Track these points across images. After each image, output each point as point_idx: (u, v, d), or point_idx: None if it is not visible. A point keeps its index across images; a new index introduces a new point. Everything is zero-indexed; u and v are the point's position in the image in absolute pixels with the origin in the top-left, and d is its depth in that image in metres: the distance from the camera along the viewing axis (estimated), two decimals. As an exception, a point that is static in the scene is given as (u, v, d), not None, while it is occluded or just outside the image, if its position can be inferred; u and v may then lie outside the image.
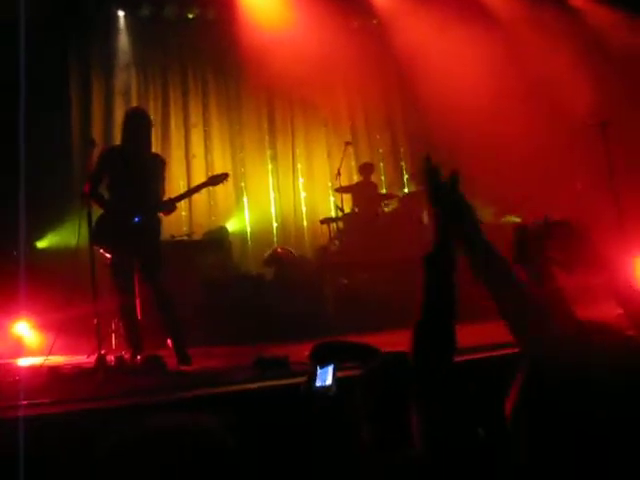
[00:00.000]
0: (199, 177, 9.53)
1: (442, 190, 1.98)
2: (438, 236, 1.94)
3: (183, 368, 5.49)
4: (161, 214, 5.89)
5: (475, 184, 9.01)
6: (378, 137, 11.15)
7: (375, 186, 9.90)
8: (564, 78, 9.24)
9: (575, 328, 1.60)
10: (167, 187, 6.10)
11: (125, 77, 9.97)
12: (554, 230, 2.38)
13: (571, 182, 8.86)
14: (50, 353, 5.80)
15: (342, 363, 2.74)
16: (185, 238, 8.63)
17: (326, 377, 2.70)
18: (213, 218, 9.83)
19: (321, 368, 2.72)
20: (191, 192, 6.17)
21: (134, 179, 5.68)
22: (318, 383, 2.70)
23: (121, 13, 9.99)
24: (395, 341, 5.68)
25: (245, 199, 9.98)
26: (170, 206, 5.85)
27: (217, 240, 8.60)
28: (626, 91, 9.30)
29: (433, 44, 9.57)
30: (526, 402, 1.43)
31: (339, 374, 2.74)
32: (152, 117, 6.40)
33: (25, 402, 3.96)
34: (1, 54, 6.63)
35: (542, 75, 9.59)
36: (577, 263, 2.33)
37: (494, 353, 4.57)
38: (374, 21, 10.60)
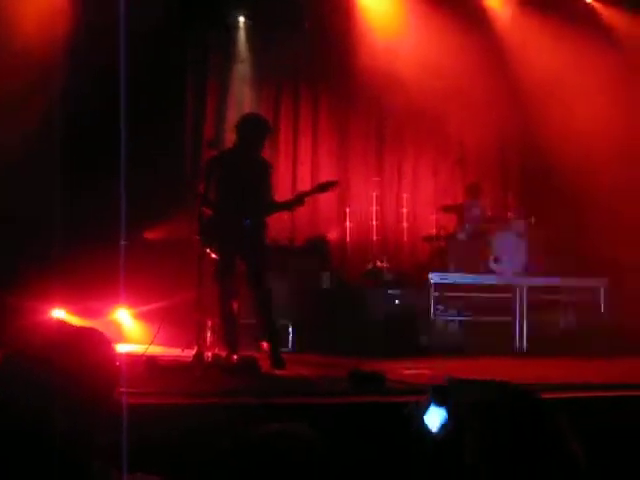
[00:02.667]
0: (304, 183, 9.60)
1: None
2: None
3: (277, 372, 5.52)
4: (288, 212, 5.99)
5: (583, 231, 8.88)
6: (488, 157, 10.95)
7: (481, 208, 9.72)
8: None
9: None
10: (273, 191, 6.19)
11: (239, 80, 10.16)
12: None
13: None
14: (152, 343, 5.93)
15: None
16: (286, 244, 8.69)
17: (436, 418, 2.53)
18: (314, 227, 9.86)
19: (436, 405, 2.55)
20: (301, 196, 6.16)
21: (243, 183, 5.78)
22: (427, 420, 2.54)
23: (241, 18, 10.18)
24: (493, 368, 5.56)
25: (347, 210, 9.97)
26: (299, 201, 5.93)
27: (317, 248, 8.63)
28: None
29: (558, 65, 9.37)
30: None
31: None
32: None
33: (125, 389, 4.03)
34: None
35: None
36: None
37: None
38: (494, 36, 10.40)
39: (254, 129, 5.92)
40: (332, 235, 9.49)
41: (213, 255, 5.73)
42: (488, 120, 10.18)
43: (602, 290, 8.12)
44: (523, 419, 2.05)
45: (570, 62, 9.50)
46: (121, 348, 6.90)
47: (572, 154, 9.03)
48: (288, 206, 6.04)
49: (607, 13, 10.19)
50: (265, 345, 5.87)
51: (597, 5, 10.28)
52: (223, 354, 5.84)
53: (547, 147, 9.57)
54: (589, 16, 10.22)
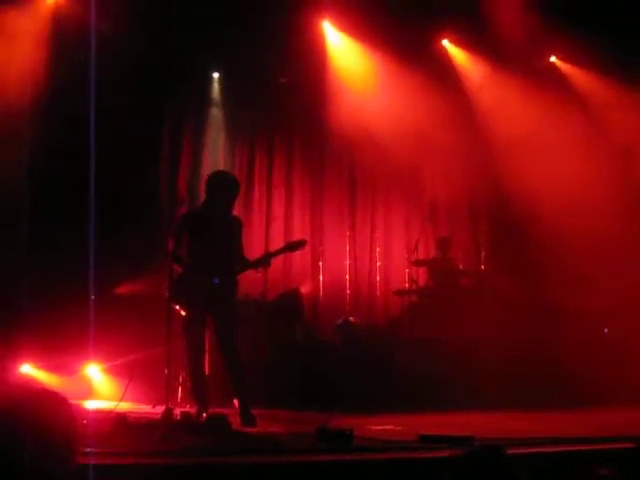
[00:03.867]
0: (277, 238, 9.67)
1: None
2: None
3: (247, 430, 5.50)
4: (254, 270, 5.96)
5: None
6: (459, 212, 11.10)
7: (452, 261, 9.83)
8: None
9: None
10: (245, 247, 6.21)
11: (214, 136, 10.26)
12: None
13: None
14: (122, 399, 5.89)
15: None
16: (258, 298, 8.69)
17: None
18: (287, 280, 9.89)
19: None
20: (268, 256, 6.16)
21: (213, 241, 5.81)
22: None
23: (216, 75, 10.34)
24: (461, 422, 5.60)
25: (321, 264, 10.03)
26: (265, 262, 5.93)
27: (290, 302, 8.62)
28: None
29: (526, 122, 9.62)
30: None
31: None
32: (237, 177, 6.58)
33: (92, 449, 4.01)
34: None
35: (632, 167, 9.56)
36: None
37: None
38: (464, 94, 10.63)
39: (223, 187, 5.97)
40: (305, 289, 9.51)
41: (182, 312, 5.73)
42: (459, 176, 10.35)
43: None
44: (489, 474, 2.10)
45: (538, 119, 9.75)
46: (91, 404, 6.85)
47: (540, 209, 9.23)
48: (254, 266, 6.01)
49: (570, 72, 10.52)
50: (236, 402, 5.85)
51: (561, 65, 10.62)
52: (193, 411, 5.81)
53: (516, 202, 9.75)
54: (554, 75, 10.55)
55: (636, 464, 2.07)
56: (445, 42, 10.62)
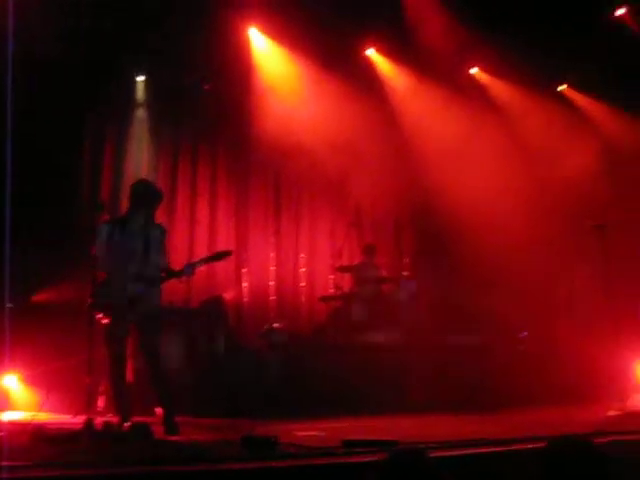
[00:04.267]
0: (201, 245, 9.58)
1: None
2: None
3: (170, 438, 5.43)
4: (177, 280, 5.89)
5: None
6: (383, 219, 11.25)
7: (376, 268, 9.94)
8: (571, 178, 9.51)
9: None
10: (168, 254, 6.14)
11: (138, 140, 10.10)
12: None
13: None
14: (40, 410, 5.74)
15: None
16: (182, 305, 8.60)
17: None
18: (211, 287, 9.80)
19: None
20: (192, 266, 6.09)
21: (135, 249, 5.74)
22: None
23: (140, 78, 10.18)
24: (387, 427, 5.65)
25: (245, 270, 9.98)
26: (188, 272, 5.86)
27: (212, 309, 8.55)
28: (628, 193, 9.61)
29: (450, 132, 9.83)
30: None
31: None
32: (160, 185, 6.52)
33: (7, 463, 3.89)
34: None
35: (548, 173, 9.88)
36: None
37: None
38: (389, 103, 10.77)
39: (145, 196, 5.91)
40: (228, 296, 9.46)
41: (104, 321, 5.63)
42: (384, 183, 10.50)
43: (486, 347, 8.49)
44: (410, 478, 2.15)
45: (461, 129, 9.99)
46: (7, 416, 6.65)
47: (462, 216, 9.45)
48: (177, 275, 5.93)
49: (491, 83, 10.84)
50: (159, 411, 5.77)
51: (482, 76, 10.91)
52: (115, 421, 5.70)
53: (439, 209, 9.96)
54: (477, 86, 10.83)
55: (549, 462, 2.15)
56: (371, 51, 10.75)
